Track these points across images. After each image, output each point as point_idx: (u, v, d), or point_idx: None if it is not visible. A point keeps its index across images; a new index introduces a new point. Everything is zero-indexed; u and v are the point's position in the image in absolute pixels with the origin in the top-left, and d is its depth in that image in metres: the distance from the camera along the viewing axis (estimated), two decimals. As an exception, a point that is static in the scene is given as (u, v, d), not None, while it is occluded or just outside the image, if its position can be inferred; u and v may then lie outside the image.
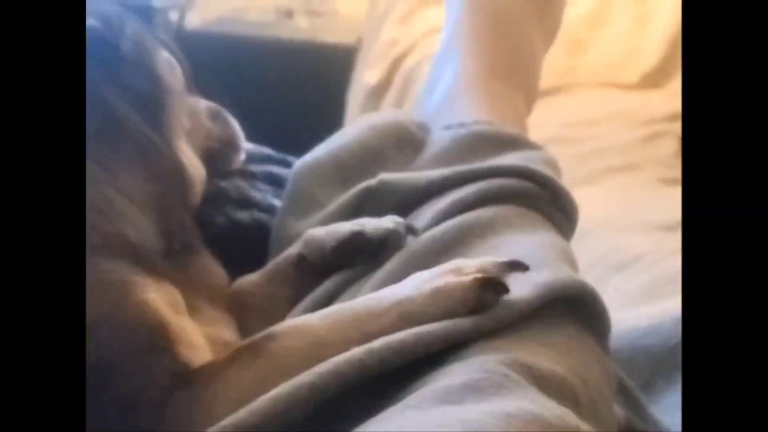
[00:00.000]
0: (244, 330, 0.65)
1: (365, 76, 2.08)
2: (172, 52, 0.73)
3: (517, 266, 0.55)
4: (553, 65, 0.97)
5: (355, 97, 2.09)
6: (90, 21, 0.66)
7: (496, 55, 0.89)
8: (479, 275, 0.54)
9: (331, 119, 2.10)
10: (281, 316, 0.64)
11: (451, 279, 0.54)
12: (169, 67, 0.72)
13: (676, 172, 1.40)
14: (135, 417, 0.52)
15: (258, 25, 2.39)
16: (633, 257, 1.16)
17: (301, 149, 0.84)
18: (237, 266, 0.70)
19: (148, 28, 0.73)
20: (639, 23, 2.02)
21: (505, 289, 0.54)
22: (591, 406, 0.53)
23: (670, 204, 1.29)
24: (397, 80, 2.01)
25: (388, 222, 0.66)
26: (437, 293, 0.54)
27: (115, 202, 0.61)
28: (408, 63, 2.02)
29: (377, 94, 2.03)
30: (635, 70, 1.90)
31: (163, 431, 0.51)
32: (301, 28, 2.39)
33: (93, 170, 0.61)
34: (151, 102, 0.68)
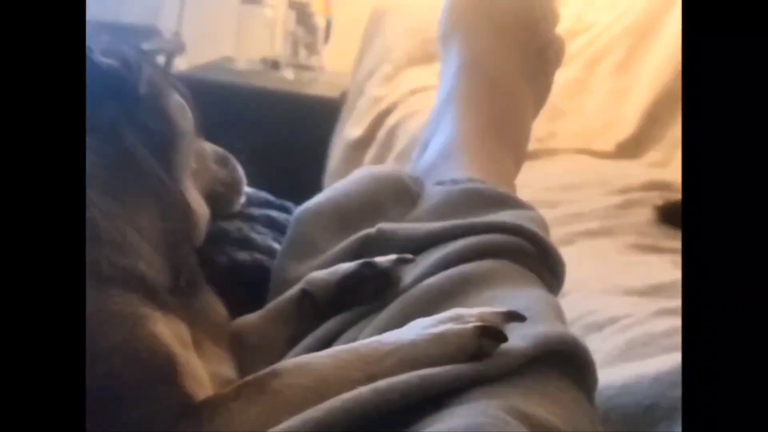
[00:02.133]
0: (242, 368, 0.67)
1: (348, 129, 2.12)
2: (183, 95, 0.75)
3: (515, 317, 0.58)
4: (533, 130, 1.02)
5: (337, 149, 2.12)
6: (111, 61, 0.68)
7: (490, 117, 0.92)
8: (479, 323, 0.56)
9: (312, 170, 2.13)
10: (280, 356, 0.66)
11: (452, 326, 0.57)
12: (181, 109, 0.74)
13: (651, 239, 1.44)
14: None
15: (245, 74, 2.43)
16: (609, 318, 1.18)
17: (281, 197, 0.87)
18: (236, 306, 0.72)
19: (161, 71, 0.75)
20: (616, 95, 2.08)
21: (504, 338, 0.56)
22: None
23: (645, 269, 1.33)
24: (380, 136, 2.05)
25: (391, 256, 0.69)
26: (439, 339, 0.56)
27: (128, 236, 0.62)
28: (391, 120, 2.07)
29: (359, 147, 2.06)
30: (611, 139, 1.96)
31: None
32: (287, 80, 2.43)
33: (109, 205, 0.63)
34: (164, 142, 0.70)
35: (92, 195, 0.63)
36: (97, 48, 0.69)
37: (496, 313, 0.58)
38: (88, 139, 0.65)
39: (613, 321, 1.18)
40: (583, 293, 1.25)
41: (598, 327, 1.18)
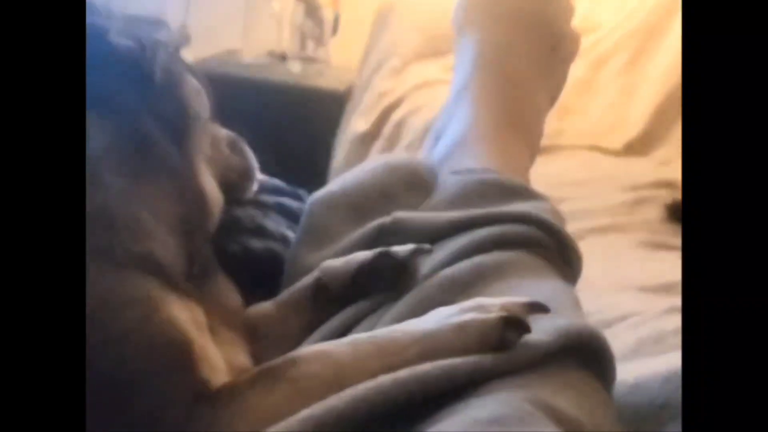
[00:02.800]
0: (256, 357, 0.66)
1: (355, 123, 2.11)
2: (198, 80, 0.74)
3: (538, 308, 0.57)
4: (541, 126, 1.02)
5: (343, 143, 2.11)
6: (128, 42, 0.67)
7: (504, 109, 0.92)
8: (503, 314, 0.55)
9: (318, 164, 2.12)
10: (294, 345, 0.65)
11: (475, 316, 0.56)
12: (197, 95, 0.73)
13: (661, 236, 1.43)
14: None
15: (251, 67, 2.42)
16: (619, 316, 1.17)
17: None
18: (249, 294, 0.71)
19: (177, 56, 0.74)
20: (624, 94, 2.07)
21: (527, 329, 0.55)
22: None
23: (656, 267, 1.32)
24: (386, 130, 2.04)
25: (408, 246, 0.67)
26: (461, 329, 0.55)
27: (143, 220, 0.61)
28: (397, 114, 2.06)
29: (365, 141, 2.06)
30: (620, 138, 1.95)
31: None
32: (294, 73, 2.42)
33: (124, 188, 0.62)
34: (178, 127, 0.69)
35: (107, 178, 0.62)
36: (113, 30, 0.68)
37: (520, 304, 0.57)
38: (104, 122, 0.64)
39: (623, 318, 1.17)
40: (592, 290, 1.24)
41: (608, 324, 1.18)
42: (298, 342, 0.66)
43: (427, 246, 0.68)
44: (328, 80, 2.40)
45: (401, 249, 0.68)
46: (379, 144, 2.03)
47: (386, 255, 0.67)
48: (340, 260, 0.69)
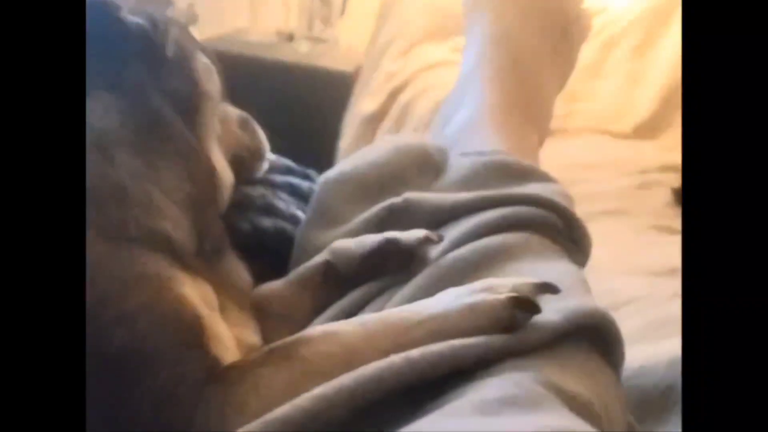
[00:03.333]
0: (265, 335, 0.66)
1: (362, 104, 2.10)
2: (210, 58, 0.74)
3: (549, 288, 0.57)
4: (550, 109, 1.02)
5: (350, 123, 2.11)
6: (139, 20, 0.67)
7: (515, 91, 0.91)
8: (513, 294, 0.55)
9: (325, 144, 2.12)
10: (303, 324, 0.65)
11: (485, 296, 0.56)
12: (207, 72, 0.73)
13: (669, 221, 1.42)
14: (169, 410, 0.52)
15: (258, 46, 2.41)
16: (626, 300, 1.17)
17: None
18: (259, 272, 0.71)
19: (188, 34, 0.74)
20: (634, 78, 2.06)
21: (537, 309, 0.55)
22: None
23: (663, 250, 1.32)
24: (393, 111, 2.04)
25: (418, 233, 0.67)
26: (471, 309, 0.55)
27: (155, 198, 0.61)
28: (405, 96, 2.05)
29: (373, 122, 2.05)
30: (628, 121, 1.94)
31: (196, 427, 0.52)
32: (301, 53, 2.41)
33: (136, 165, 0.62)
34: (189, 105, 0.69)
35: (120, 155, 0.62)
36: (125, 7, 0.67)
37: (530, 284, 0.57)
38: (116, 99, 0.64)
39: (630, 302, 1.17)
40: (599, 273, 1.24)
41: (615, 308, 1.17)
42: (306, 321, 0.66)
43: (435, 235, 0.67)
44: (335, 60, 2.39)
45: (408, 237, 0.67)
46: (386, 125, 2.03)
47: (393, 242, 0.67)
48: (350, 241, 0.69)
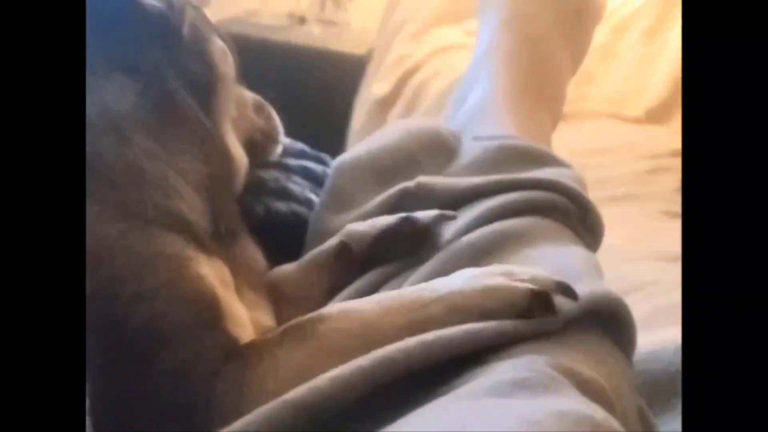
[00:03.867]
0: (278, 318, 0.67)
1: (374, 87, 2.10)
2: (225, 41, 0.75)
3: (568, 291, 0.57)
4: (562, 93, 1.02)
5: (361, 106, 2.10)
6: (155, 2, 0.67)
7: (528, 74, 0.91)
8: (535, 288, 0.55)
9: (335, 127, 2.12)
10: (317, 307, 0.65)
11: (505, 281, 0.56)
12: (223, 54, 0.73)
13: (680, 206, 1.42)
14: (186, 389, 0.53)
15: (270, 29, 2.41)
16: (635, 285, 1.17)
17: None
18: (273, 255, 0.72)
19: (204, 16, 0.74)
20: (646, 61, 2.05)
21: (552, 310, 0.55)
22: (622, 416, 0.55)
23: (673, 236, 1.31)
24: (405, 94, 2.03)
25: (432, 212, 0.68)
26: (489, 292, 0.56)
27: (171, 179, 0.62)
28: (417, 78, 2.04)
29: (384, 106, 2.05)
30: (640, 104, 1.93)
31: (213, 405, 0.52)
32: (313, 35, 2.41)
33: (152, 147, 0.62)
34: (205, 87, 0.69)
35: (136, 137, 0.62)
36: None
37: (550, 280, 0.57)
38: (131, 81, 0.64)
39: (640, 287, 1.17)
40: (610, 258, 1.24)
41: (625, 293, 1.17)
42: (321, 304, 0.66)
43: (450, 212, 0.68)
44: (347, 43, 2.38)
45: (424, 214, 0.68)
46: (397, 109, 2.02)
47: (409, 220, 0.68)
48: (364, 223, 0.70)
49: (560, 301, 0.56)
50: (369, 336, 0.53)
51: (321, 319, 0.55)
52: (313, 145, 0.91)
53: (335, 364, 0.50)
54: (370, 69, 2.20)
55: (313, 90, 2.24)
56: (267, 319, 0.65)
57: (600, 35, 2.02)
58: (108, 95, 0.63)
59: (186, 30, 0.69)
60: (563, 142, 1.65)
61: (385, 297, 0.58)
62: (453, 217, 0.68)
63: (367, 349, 0.51)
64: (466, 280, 0.57)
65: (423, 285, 0.58)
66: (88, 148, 0.59)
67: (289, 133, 0.87)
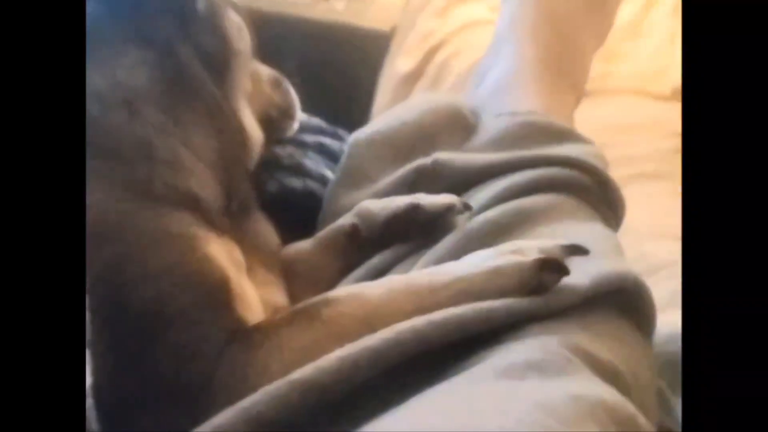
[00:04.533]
0: (291, 296, 0.66)
1: (398, 63, 2.08)
2: (241, 15, 0.73)
3: (577, 250, 0.56)
4: (588, 70, 0.99)
5: (385, 83, 2.08)
6: (167, -24, 0.66)
7: (550, 50, 0.90)
8: (540, 256, 0.54)
9: (360, 103, 2.10)
10: (330, 285, 0.65)
11: (512, 258, 0.55)
12: (238, 30, 0.72)
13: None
14: (190, 370, 0.52)
15: (293, 4, 2.39)
16: (658, 265, 1.15)
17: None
18: (286, 232, 0.71)
19: (219, -11, 0.73)
20: (672, 38, 2.02)
21: (566, 271, 0.54)
22: (639, 400, 0.53)
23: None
24: (430, 70, 2.01)
25: (444, 198, 0.66)
26: (497, 272, 0.54)
27: (182, 155, 0.61)
28: (441, 55, 2.02)
29: (409, 82, 2.03)
30: (667, 82, 1.90)
31: (216, 386, 0.52)
32: (337, 11, 2.39)
33: (164, 122, 0.61)
34: (219, 62, 0.68)
35: (146, 111, 0.61)
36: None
37: (559, 246, 0.56)
38: (144, 54, 0.64)
39: (663, 267, 1.15)
40: (634, 236, 1.22)
41: (647, 273, 1.16)
42: (333, 282, 0.66)
43: (461, 205, 0.66)
44: (372, 19, 2.36)
45: (433, 203, 0.66)
46: (422, 85, 2.00)
47: (416, 208, 0.66)
48: (377, 204, 0.68)
49: (576, 279, 0.55)
50: (376, 320, 0.52)
51: (327, 303, 0.54)
52: (335, 122, 0.90)
53: (341, 348, 0.49)
54: (394, 45, 2.18)
55: (337, 66, 2.22)
56: (279, 297, 0.64)
57: (626, 12, 1.99)
58: (120, 69, 0.63)
59: (201, 4, 0.68)
60: (588, 119, 1.63)
61: (394, 281, 0.56)
62: (462, 210, 0.66)
63: (374, 333, 0.50)
64: (475, 263, 0.55)
65: (432, 269, 0.57)
66: (98, 123, 0.59)
67: (311, 109, 0.86)
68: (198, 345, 0.53)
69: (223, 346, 0.53)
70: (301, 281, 0.67)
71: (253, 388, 0.48)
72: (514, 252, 0.56)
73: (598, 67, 1.79)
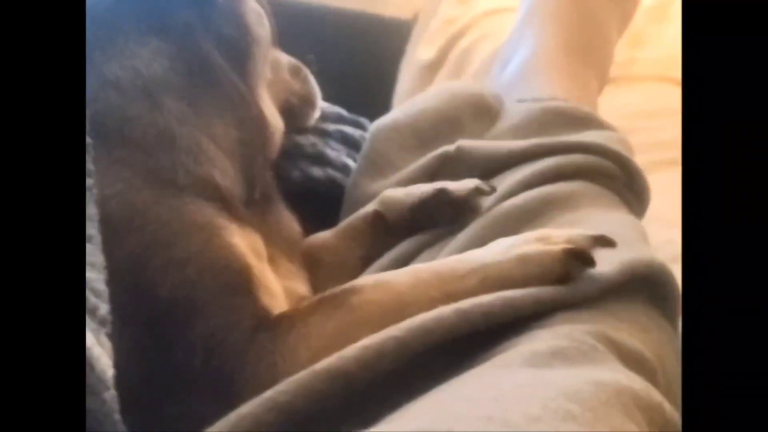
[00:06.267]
0: (314, 286, 0.66)
1: (420, 51, 2.07)
2: (261, 3, 0.73)
3: (605, 241, 0.55)
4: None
5: (407, 71, 2.07)
6: (188, -37, 0.66)
7: (573, 35, 0.89)
8: (568, 246, 0.54)
9: (382, 91, 2.10)
10: (353, 275, 0.64)
11: (539, 247, 0.54)
12: (258, 18, 0.72)
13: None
14: (219, 357, 0.52)
15: (313, -7, 2.39)
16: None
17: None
18: (309, 222, 0.70)
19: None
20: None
21: (592, 262, 0.53)
22: (666, 387, 0.53)
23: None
24: (452, 58, 1.99)
25: (469, 183, 0.66)
26: (524, 259, 0.54)
27: (203, 145, 0.61)
28: (464, 42, 2.00)
29: (431, 70, 2.01)
30: (693, 67, 1.88)
31: (246, 374, 0.52)
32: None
33: (185, 112, 0.61)
34: (239, 50, 0.68)
35: (167, 101, 0.61)
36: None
37: (586, 236, 0.55)
38: (165, 44, 0.63)
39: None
40: (659, 224, 1.21)
41: (674, 260, 1.15)
42: (356, 272, 0.66)
43: (486, 188, 0.66)
44: (392, 7, 2.35)
45: (459, 187, 0.66)
46: (444, 73, 1.99)
47: (444, 192, 0.66)
48: (400, 192, 0.68)
49: (602, 267, 0.54)
50: (403, 308, 0.52)
51: (354, 291, 0.54)
52: (357, 111, 0.89)
53: (368, 336, 0.49)
54: (416, 33, 2.17)
55: (357, 55, 2.21)
56: (302, 287, 0.64)
57: (652, -4, 1.97)
58: (140, 60, 0.62)
59: None
60: (613, 105, 1.61)
61: (420, 269, 0.56)
62: (490, 192, 0.65)
63: (401, 321, 0.50)
64: (501, 250, 0.55)
65: (457, 257, 0.56)
66: (119, 113, 0.59)
67: (331, 98, 0.85)
68: (226, 332, 0.53)
69: (251, 334, 0.53)
70: (324, 271, 0.67)
71: (282, 376, 0.47)
72: (540, 239, 0.55)
73: (622, 53, 1.77)
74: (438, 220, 0.66)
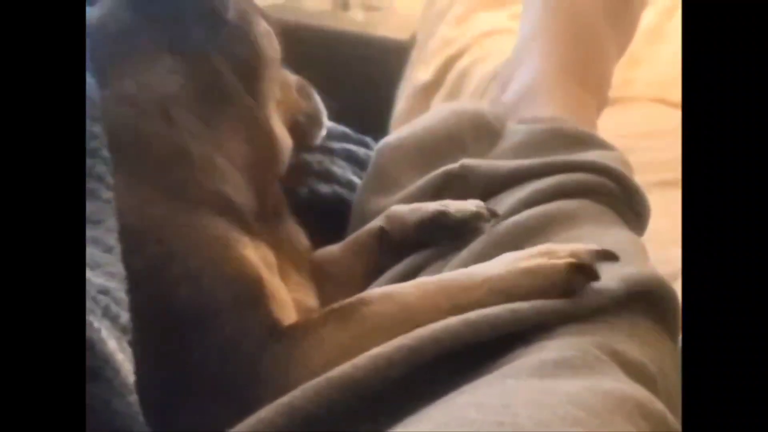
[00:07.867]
0: (322, 298, 0.67)
1: (417, 72, 2.09)
2: (270, 23, 0.75)
3: (608, 256, 0.56)
4: (609, 77, 1.00)
5: (405, 92, 2.10)
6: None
7: (573, 58, 0.90)
8: (573, 260, 0.55)
9: (379, 112, 2.12)
10: (359, 288, 0.66)
11: (544, 261, 0.56)
12: (268, 37, 0.73)
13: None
14: (233, 366, 0.54)
15: (313, 14, 2.41)
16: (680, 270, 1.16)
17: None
18: (316, 238, 0.72)
19: (249, -1, 0.75)
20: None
21: (596, 276, 0.55)
22: (667, 399, 0.54)
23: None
24: (449, 79, 2.02)
25: (471, 205, 0.67)
26: (529, 273, 0.55)
27: (217, 161, 0.63)
28: (461, 63, 2.03)
29: (428, 91, 2.03)
30: (688, 89, 1.90)
31: (260, 381, 0.53)
32: (357, 21, 2.40)
33: (198, 128, 0.63)
34: (250, 69, 0.70)
35: (181, 118, 0.63)
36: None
37: (590, 251, 0.56)
38: (178, 62, 0.65)
39: (686, 273, 1.15)
40: (657, 243, 1.23)
41: (673, 277, 1.16)
42: (362, 285, 0.67)
43: (486, 211, 0.67)
44: (391, 28, 2.38)
45: (460, 210, 0.67)
46: (441, 94, 2.01)
47: (443, 215, 0.67)
48: (405, 208, 0.70)
49: (605, 282, 0.56)
50: (411, 319, 0.54)
51: (363, 302, 0.56)
52: (356, 130, 0.91)
53: (378, 345, 0.51)
54: (414, 54, 2.19)
55: (357, 76, 2.24)
56: (310, 300, 0.65)
57: (648, 17, 1.99)
58: (155, 77, 0.64)
59: (231, 13, 0.70)
60: (610, 125, 1.63)
61: (426, 282, 0.58)
62: (489, 218, 0.67)
63: (410, 332, 0.51)
64: (507, 263, 0.57)
65: (463, 270, 0.58)
66: (134, 129, 0.60)
67: (331, 118, 0.87)
68: (240, 340, 0.55)
69: (265, 342, 0.55)
70: (331, 284, 0.68)
71: (295, 383, 0.49)
72: (545, 254, 0.57)
73: (619, 74, 1.79)
74: (442, 236, 0.67)
